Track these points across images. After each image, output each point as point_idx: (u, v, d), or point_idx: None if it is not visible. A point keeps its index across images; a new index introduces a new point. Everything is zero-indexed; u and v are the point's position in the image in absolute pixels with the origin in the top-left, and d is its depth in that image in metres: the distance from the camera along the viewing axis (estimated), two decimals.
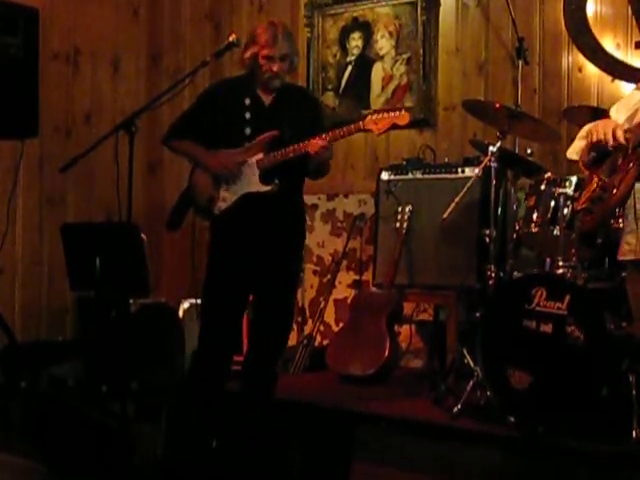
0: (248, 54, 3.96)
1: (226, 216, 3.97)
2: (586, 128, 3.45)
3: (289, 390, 4.44)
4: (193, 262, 4.26)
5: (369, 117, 3.86)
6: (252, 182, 3.93)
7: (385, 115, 3.84)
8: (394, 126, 3.84)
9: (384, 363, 4.65)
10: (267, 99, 4.01)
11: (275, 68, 3.91)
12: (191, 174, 4.09)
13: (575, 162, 3.53)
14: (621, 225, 3.47)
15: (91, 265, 3.92)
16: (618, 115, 3.41)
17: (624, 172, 3.23)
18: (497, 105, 4.21)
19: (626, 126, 3.30)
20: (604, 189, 3.31)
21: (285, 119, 3.95)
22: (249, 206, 3.94)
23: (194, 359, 4.50)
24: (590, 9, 4.91)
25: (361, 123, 3.83)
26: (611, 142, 3.25)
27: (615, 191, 3.24)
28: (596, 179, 3.34)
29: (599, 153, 3.34)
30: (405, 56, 5.53)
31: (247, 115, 3.98)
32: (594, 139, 3.29)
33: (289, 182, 3.98)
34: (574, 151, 3.53)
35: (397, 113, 3.83)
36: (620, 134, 3.22)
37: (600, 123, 3.31)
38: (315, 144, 3.80)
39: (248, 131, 3.97)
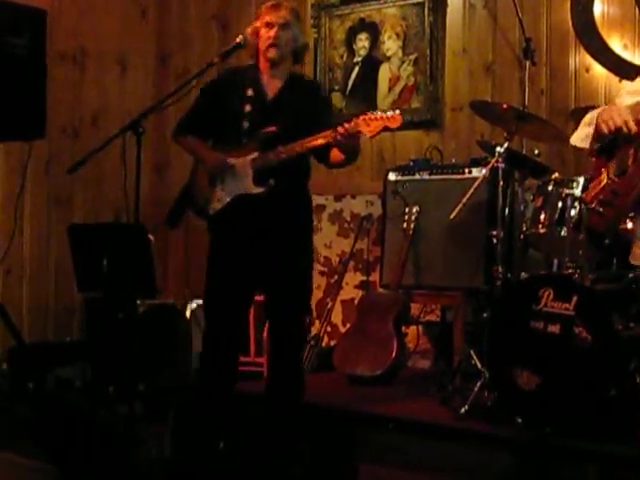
0: (250, 29, 3.76)
1: (220, 217, 3.80)
2: (591, 114, 3.41)
3: None
4: (187, 262, 4.17)
5: (362, 117, 3.56)
6: (245, 183, 3.71)
7: (378, 116, 3.55)
8: (386, 128, 3.57)
9: (391, 364, 4.64)
10: (272, 91, 3.76)
11: (272, 33, 3.67)
12: (192, 171, 3.95)
13: (580, 149, 3.51)
14: (629, 226, 3.45)
15: (98, 266, 3.93)
16: (622, 100, 3.38)
17: (637, 175, 3.20)
18: (504, 106, 4.21)
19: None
20: (615, 193, 3.28)
21: (287, 115, 3.70)
22: (242, 208, 3.75)
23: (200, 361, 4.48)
24: (597, 9, 4.90)
25: (353, 123, 3.52)
26: (634, 129, 3.19)
27: (631, 193, 3.22)
28: (605, 175, 3.32)
29: (603, 143, 3.31)
30: (412, 57, 5.53)
31: (247, 108, 3.74)
32: (612, 128, 3.22)
33: (288, 182, 3.74)
34: (579, 138, 3.48)
35: (390, 114, 3.55)
36: (632, 122, 3.19)
37: (612, 110, 3.27)
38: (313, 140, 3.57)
39: (246, 125, 3.74)
